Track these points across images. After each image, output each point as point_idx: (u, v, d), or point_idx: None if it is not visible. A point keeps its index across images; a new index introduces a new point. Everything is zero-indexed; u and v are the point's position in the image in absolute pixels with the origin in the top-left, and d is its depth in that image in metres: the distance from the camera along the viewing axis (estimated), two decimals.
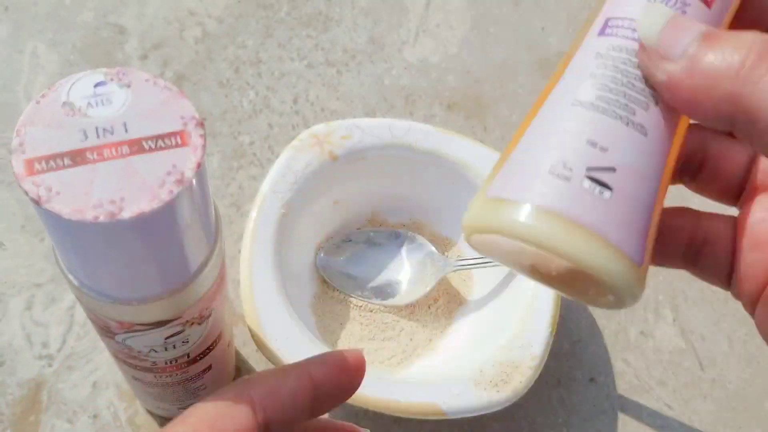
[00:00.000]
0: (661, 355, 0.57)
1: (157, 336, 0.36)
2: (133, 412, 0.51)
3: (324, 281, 0.54)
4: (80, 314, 0.53)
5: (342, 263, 0.55)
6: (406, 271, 0.55)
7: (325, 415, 0.52)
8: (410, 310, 0.54)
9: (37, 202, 0.27)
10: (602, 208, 0.25)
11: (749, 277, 0.30)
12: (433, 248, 0.55)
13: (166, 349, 0.38)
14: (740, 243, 0.30)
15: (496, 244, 0.26)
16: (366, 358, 0.51)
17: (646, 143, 0.26)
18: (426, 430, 0.52)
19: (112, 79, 0.30)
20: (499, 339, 0.48)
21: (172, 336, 0.36)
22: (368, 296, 0.54)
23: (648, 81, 0.26)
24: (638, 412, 0.55)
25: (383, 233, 0.56)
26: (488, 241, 0.26)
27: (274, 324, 0.46)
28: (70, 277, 0.33)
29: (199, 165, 0.28)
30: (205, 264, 0.34)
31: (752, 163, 0.31)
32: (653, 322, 0.58)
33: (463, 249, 0.56)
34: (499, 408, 0.46)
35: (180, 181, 0.28)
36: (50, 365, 0.51)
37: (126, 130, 0.28)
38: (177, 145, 0.28)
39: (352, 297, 0.54)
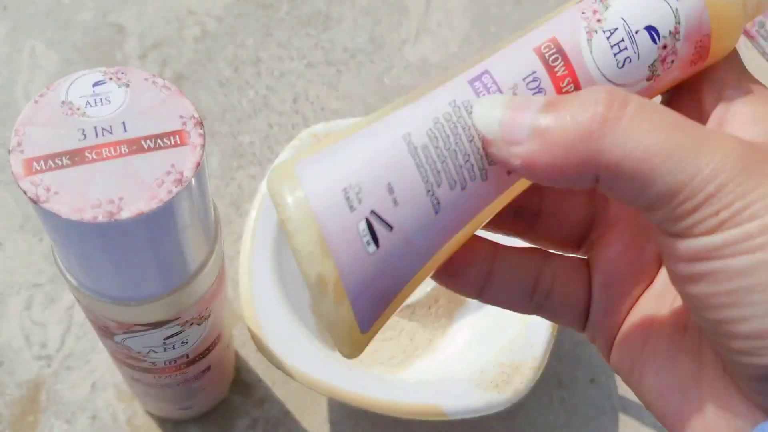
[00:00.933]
0: None
1: (156, 336, 0.36)
2: (132, 413, 0.51)
3: None
4: (79, 314, 0.53)
5: None
6: None
7: (325, 417, 0.52)
8: (410, 310, 0.54)
9: (35, 202, 0.27)
10: (359, 259, 0.25)
11: (606, 317, 0.30)
12: None
13: (165, 349, 0.37)
14: (594, 283, 0.30)
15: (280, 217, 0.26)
16: (365, 359, 0.51)
17: (433, 221, 0.26)
18: None
19: (110, 79, 0.30)
20: (500, 339, 0.48)
21: (171, 336, 0.36)
22: None
23: (475, 163, 0.26)
24: (640, 412, 0.54)
25: None
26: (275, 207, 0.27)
27: (274, 325, 0.46)
28: (69, 277, 0.33)
29: (199, 164, 0.28)
30: (204, 264, 0.34)
31: (592, 205, 0.31)
32: None
33: None
34: (500, 409, 0.46)
35: (179, 181, 0.28)
36: (49, 365, 0.51)
37: (125, 130, 0.28)
38: (176, 145, 0.28)
39: None
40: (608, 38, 0.26)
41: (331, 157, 0.26)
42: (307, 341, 0.46)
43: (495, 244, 0.30)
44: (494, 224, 0.30)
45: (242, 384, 0.53)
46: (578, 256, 0.32)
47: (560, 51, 0.26)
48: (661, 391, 0.28)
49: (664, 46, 0.26)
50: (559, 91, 0.26)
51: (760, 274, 0.23)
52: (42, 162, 0.27)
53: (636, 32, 0.26)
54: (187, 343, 0.38)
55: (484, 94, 0.26)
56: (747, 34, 0.69)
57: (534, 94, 0.26)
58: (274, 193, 0.25)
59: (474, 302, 0.54)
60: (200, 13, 0.66)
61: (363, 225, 0.25)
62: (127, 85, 0.30)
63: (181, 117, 0.29)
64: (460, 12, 0.69)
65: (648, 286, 0.30)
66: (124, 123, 0.29)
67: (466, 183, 0.26)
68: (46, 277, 0.54)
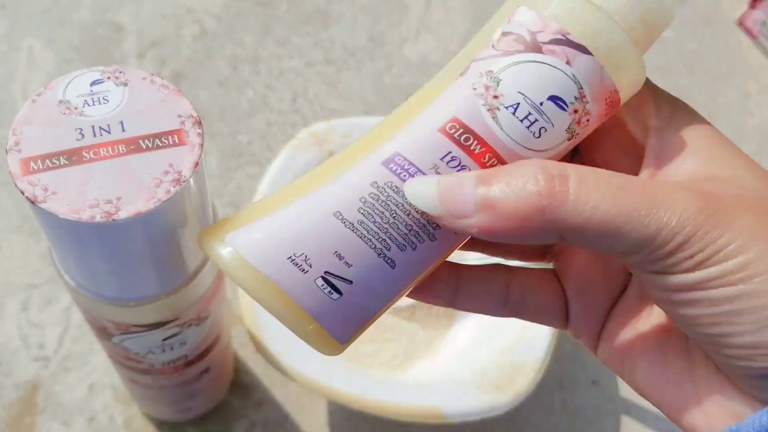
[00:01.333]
0: None
1: (155, 337, 0.36)
2: (130, 415, 0.51)
3: None
4: (77, 315, 0.53)
5: None
6: None
7: (325, 420, 0.51)
8: (411, 311, 0.54)
9: (33, 202, 0.27)
10: (326, 303, 0.26)
11: (585, 320, 0.31)
12: None
13: (163, 350, 0.37)
14: (567, 290, 0.31)
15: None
16: (365, 360, 0.51)
17: (392, 273, 0.27)
18: None
19: (108, 78, 0.30)
20: (501, 341, 0.48)
21: (169, 337, 0.36)
22: None
23: (420, 230, 0.27)
24: (642, 414, 0.54)
25: None
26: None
27: (273, 326, 0.46)
28: (67, 277, 0.33)
29: (197, 164, 0.28)
30: (202, 265, 0.34)
31: None
32: None
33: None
34: (501, 411, 0.46)
35: (177, 181, 0.27)
36: (46, 367, 0.51)
37: (123, 129, 0.28)
38: (174, 144, 0.28)
39: None
40: (514, 113, 0.26)
41: (264, 230, 0.27)
42: (306, 343, 0.46)
43: (457, 265, 0.31)
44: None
45: (241, 386, 0.52)
46: (543, 265, 0.33)
47: (468, 131, 0.26)
48: (654, 384, 0.28)
49: (575, 111, 0.27)
50: (483, 165, 0.26)
51: (746, 301, 0.24)
52: (39, 162, 0.27)
53: (540, 104, 0.26)
54: (185, 344, 0.38)
55: (404, 175, 0.26)
56: (750, 33, 0.68)
57: (458, 171, 0.26)
58: (216, 261, 0.27)
59: None
60: (199, 12, 0.66)
61: (321, 281, 0.26)
62: (125, 84, 0.29)
63: (179, 116, 0.29)
64: (461, 10, 0.69)
65: (623, 290, 0.31)
66: (122, 122, 0.28)
67: (416, 245, 0.27)
68: (44, 278, 0.54)
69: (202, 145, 0.28)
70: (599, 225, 0.24)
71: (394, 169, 0.26)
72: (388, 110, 0.63)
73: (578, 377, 0.55)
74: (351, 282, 0.26)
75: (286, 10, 0.67)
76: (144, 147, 0.28)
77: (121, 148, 0.28)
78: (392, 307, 0.53)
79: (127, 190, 0.27)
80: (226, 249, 0.26)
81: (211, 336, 0.40)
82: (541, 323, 0.32)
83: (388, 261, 0.26)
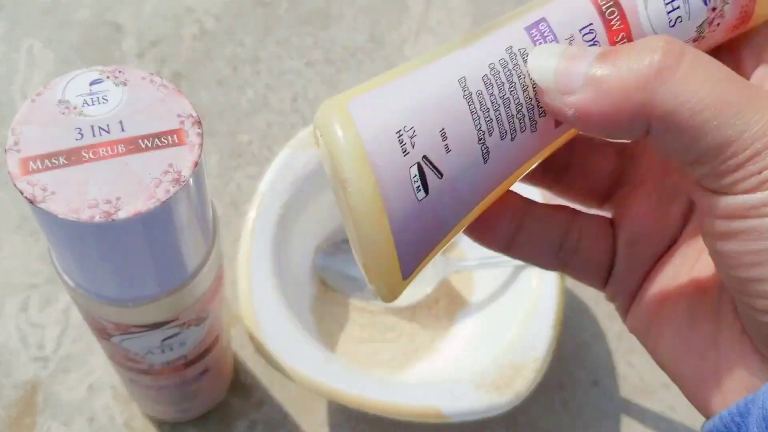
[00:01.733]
0: None
1: (154, 338, 0.36)
2: (130, 415, 0.51)
3: (323, 282, 0.54)
4: (76, 316, 0.53)
5: (341, 264, 0.54)
6: None
7: (325, 420, 0.51)
8: (411, 311, 0.54)
9: (32, 202, 0.27)
10: (408, 205, 0.25)
11: (628, 275, 0.31)
12: None
13: (162, 351, 0.37)
14: (619, 240, 0.31)
15: (326, 154, 0.26)
16: (365, 361, 0.51)
17: (481, 169, 0.26)
18: None
19: (108, 77, 0.30)
20: (501, 341, 0.48)
21: (169, 338, 0.36)
22: (368, 297, 0.53)
23: (527, 114, 0.26)
24: (642, 415, 0.54)
25: None
26: (323, 147, 0.26)
27: (273, 326, 0.46)
28: (66, 277, 0.33)
29: (197, 164, 0.28)
30: (202, 265, 0.34)
31: (620, 163, 0.32)
32: None
33: (464, 250, 0.56)
34: (501, 411, 0.46)
35: (177, 181, 0.28)
36: (46, 367, 0.51)
37: (122, 129, 0.28)
38: (174, 144, 0.28)
39: (351, 298, 0.54)
40: None
41: (385, 97, 0.25)
42: (306, 342, 0.46)
43: (526, 199, 0.31)
44: (525, 176, 0.30)
45: (240, 386, 0.52)
46: (602, 213, 0.32)
47: (617, 4, 0.26)
48: (677, 352, 0.28)
49: (713, 8, 0.26)
50: (614, 44, 0.26)
51: None
52: (39, 161, 0.27)
53: None
54: (185, 344, 0.38)
55: (540, 42, 0.26)
56: None
57: (589, 45, 0.26)
58: (324, 128, 0.25)
59: (475, 303, 0.54)
60: (199, 12, 0.66)
61: (415, 170, 0.25)
62: (125, 84, 0.29)
63: (179, 116, 0.29)
64: (461, 10, 0.69)
65: (671, 248, 0.30)
66: (121, 122, 0.28)
67: (516, 133, 0.26)
68: (43, 278, 0.54)
69: (201, 145, 0.28)
70: (689, 113, 0.23)
71: (533, 34, 0.26)
72: None
73: (579, 377, 0.55)
74: (441, 175, 0.25)
75: (286, 10, 0.67)
76: (143, 147, 0.28)
77: (120, 148, 0.28)
78: (392, 308, 0.53)
79: (126, 190, 0.27)
80: (340, 113, 0.25)
81: (210, 336, 0.40)
82: (581, 280, 0.32)
83: (484, 151, 0.25)
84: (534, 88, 0.26)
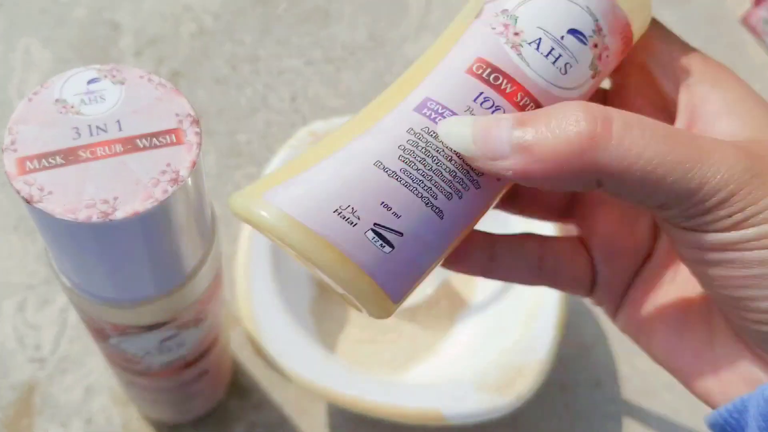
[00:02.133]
0: None
1: (152, 339, 0.36)
2: (128, 417, 0.50)
3: (322, 283, 0.54)
4: (73, 316, 0.53)
5: None
6: None
7: (324, 422, 0.51)
8: (411, 312, 0.54)
9: (29, 202, 0.27)
10: (378, 257, 0.26)
11: (610, 287, 0.32)
12: None
13: (161, 352, 0.37)
14: (594, 257, 0.32)
15: (275, 240, 0.27)
16: (365, 362, 0.51)
17: (440, 224, 0.26)
18: None
19: (105, 76, 0.30)
20: (503, 342, 0.49)
21: (167, 339, 0.36)
22: None
23: (464, 177, 0.26)
24: (645, 417, 0.54)
25: None
26: (264, 233, 0.27)
27: (272, 327, 0.46)
28: (63, 278, 0.33)
29: (195, 164, 0.28)
30: (200, 265, 0.34)
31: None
32: None
33: None
34: (502, 413, 0.46)
35: (175, 181, 0.27)
36: (43, 368, 0.51)
37: (120, 128, 0.28)
38: (172, 144, 0.28)
39: None
40: (537, 49, 0.26)
41: (303, 185, 0.26)
42: (305, 344, 0.46)
43: (491, 235, 0.31)
44: None
45: (239, 387, 0.52)
46: (569, 232, 0.33)
47: (496, 69, 0.26)
48: (671, 352, 0.29)
49: (595, 45, 0.27)
50: (517, 106, 0.26)
51: None
52: (35, 161, 0.27)
53: (561, 38, 0.26)
54: (183, 345, 0.38)
55: (438, 119, 0.26)
56: (754, 31, 0.68)
57: (493, 112, 0.26)
58: (256, 222, 0.26)
59: (475, 304, 0.54)
60: (197, 10, 0.66)
61: (371, 234, 0.25)
62: (122, 83, 0.29)
63: (177, 115, 0.29)
64: (461, 8, 0.69)
65: (648, 257, 0.31)
66: (118, 121, 0.28)
67: (462, 192, 0.26)
68: (40, 279, 0.54)
69: (200, 145, 0.28)
70: (641, 173, 0.23)
71: (427, 114, 0.26)
72: None
73: (580, 379, 0.55)
74: (401, 234, 0.26)
75: (286, 9, 0.67)
76: (141, 146, 0.28)
77: (117, 148, 0.28)
78: None
79: (124, 189, 0.27)
80: (267, 207, 0.26)
81: (209, 338, 0.40)
82: (568, 291, 0.33)
83: (436, 210, 0.26)
84: (458, 156, 0.26)
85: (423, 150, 0.26)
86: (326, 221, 0.25)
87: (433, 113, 0.26)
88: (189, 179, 0.28)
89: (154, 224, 0.28)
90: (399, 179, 0.26)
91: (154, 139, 0.28)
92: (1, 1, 0.64)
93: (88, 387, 0.51)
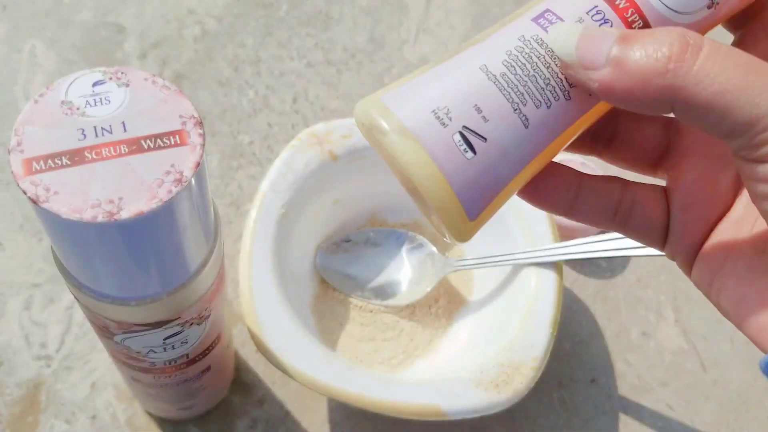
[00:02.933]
0: (662, 356, 0.57)
1: (156, 336, 0.36)
2: (132, 413, 0.51)
3: (324, 281, 0.54)
4: (79, 314, 0.53)
5: (342, 263, 0.55)
6: (406, 272, 0.55)
7: (325, 417, 0.52)
8: (410, 310, 0.54)
9: (35, 202, 0.27)
10: (460, 162, 0.27)
11: (684, 237, 0.32)
12: (434, 248, 0.55)
13: (165, 349, 0.37)
14: (672, 206, 0.32)
15: (375, 141, 0.28)
16: (365, 359, 0.51)
17: (524, 133, 0.27)
18: None
19: (110, 78, 0.30)
20: (500, 340, 0.48)
21: (171, 336, 0.36)
22: (368, 296, 0.54)
23: (557, 85, 0.27)
24: (640, 413, 0.54)
25: (383, 233, 0.56)
26: (370, 136, 0.29)
27: (274, 324, 0.46)
28: (69, 277, 0.33)
29: (198, 164, 0.28)
30: (204, 264, 0.34)
31: (667, 131, 0.33)
32: (655, 323, 0.58)
33: (464, 249, 0.56)
34: (500, 409, 0.46)
35: (179, 181, 0.28)
36: (48, 365, 0.51)
37: (125, 130, 0.28)
38: (176, 145, 0.28)
39: (352, 297, 0.54)
40: None
41: (414, 88, 0.28)
42: (307, 341, 0.46)
43: (579, 172, 0.32)
44: (573, 146, 0.32)
45: (242, 384, 0.53)
46: (654, 179, 0.33)
47: None
48: (739, 302, 0.29)
49: None
50: (625, 20, 0.27)
51: None
52: (42, 162, 0.27)
53: None
54: (186, 343, 0.38)
55: (549, 27, 0.27)
56: None
57: (601, 24, 0.27)
58: (366, 121, 0.28)
59: (474, 302, 0.54)
60: (200, 13, 0.66)
61: (458, 137, 0.26)
62: (127, 85, 0.29)
63: (180, 117, 0.29)
64: (460, 12, 0.69)
65: (726, 212, 0.31)
66: (123, 123, 0.28)
67: (551, 102, 0.27)
68: (46, 277, 0.54)
69: (203, 146, 0.29)
70: (711, 96, 0.24)
71: (542, 23, 0.27)
72: None
73: (577, 376, 0.55)
74: (485, 139, 0.27)
75: (287, 12, 0.67)
76: (146, 147, 0.28)
77: (122, 149, 0.28)
78: (392, 307, 0.53)
79: (128, 190, 0.27)
80: (377, 106, 0.27)
81: (212, 335, 0.40)
82: (640, 241, 0.33)
83: (523, 118, 0.27)
84: (557, 64, 0.27)
85: (526, 56, 0.27)
86: (421, 120, 0.27)
87: (547, 23, 0.27)
88: (193, 180, 0.28)
89: (158, 224, 0.28)
90: (496, 82, 0.27)
91: (159, 140, 0.28)
92: (6, 2, 0.65)
93: (93, 384, 0.51)
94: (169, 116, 0.29)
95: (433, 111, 0.27)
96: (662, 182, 0.33)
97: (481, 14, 0.69)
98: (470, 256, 0.55)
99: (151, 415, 0.51)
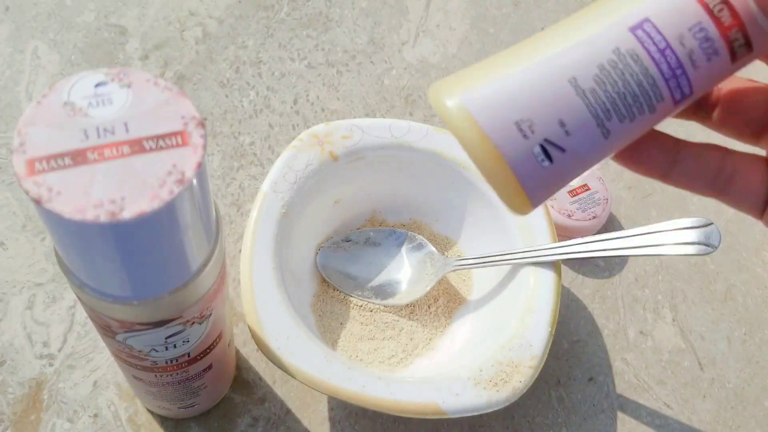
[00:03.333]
0: (660, 355, 0.57)
1: (158, 335, 0.36)
2: (134, 412, 0.51)
3: (324, 281, 0.55)
4: (81, 314, 0.53)
5: (342, 263, 0.55)
6: (405, 271, 0.55)
7: (326, 416, 0.52)
8: (410, 309, 0.54)
9: (38, 202, 0.27)
10: (535, 169, 0.27)
11: None
12: (433, 248, 0.55)
13: (166, 348, 0.38)
14: None
15: (452, 130, 0.28)
16: (365, 358, 0.51)
17: (603, 143, 0.27)
18: (426, 430, 0.53)
19: (112, 80, 0.30)
20: (499, 338, 0.49)
21: (172, 335, 0.36)
22: (368, 296, 0.54)
23: (644, 102, 0.27)
24: (637, 411, 0.55)
25: (383, 233, 0.56)
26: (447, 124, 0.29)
27: (275, 323, 0.46)
28: (71, 276, 0.33)
29: (200, 165, 0.28)
30: (205, 264, 0.34)
31: None
32: (653, 322, 0.58)
33: (462, 249, 0.56)
34: (498, 407, 0.46)
35: (180, 181, 0.28)
36: (51, 364, 0.52)
37: (127, 130, 0.28)
38: (177, 145, 0.28)
39: (352, 296, 0.54)
40: None
41: (498, 93, 0.27)
42: (307, 340, 0.46)
43: (677, 138, 0.32)
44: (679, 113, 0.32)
45: (243, 383, 0.53)
46: (755, 149, 0.33)
47: (725, 1, 0.27)
48: None
49: None
50: (727, 39, 0.27)
51: None
52: (44, 162, 0.27)
53: None
54: (188, 342, 0.38)
55: (648, 44, 0.27)
56: None
57: (701, 44, 0.27)
58: (446, 117, 0.28)
59: (473, 302, 0.54)
60: (201, 15, 0.66)
61: (538, 149, 0.27)
62: (129, 86, 0.30)
63: (182, 118, 0.29)
64: (460, 13, 0.69)
65: None
66: (126, 124, 0.29)
67: (635, 116, 0.27)
68: (48, 277, 0.54)
69: (204, 146, 0.29)
70: None
71: (640, 36, 0.27)
72: (388, 112, 0.64)
73: (575, 374, 0.55)
74: (564, 151, 0.27)
75: (288, 14, 0.67)
76: (148, 148, 0.28)
77: (125, 149, 0.28)
78: (392, 306, 0.53)
79: (131, 190, 0.27)
80: (456, 104, 0.27)
81: (213, 334, 0.40)
82: (738, 208, 0.33)
83: (604, 131, 0.27)
84: (649, 82, 0.27)
85: (619, 73, 0.27)
86: (503, 130, 0.27)
87: (645, 36, 0.27)
88: (194, 180, 0.28)
89: (160, 224, 0.28)
90: (584, 99, 0.27)
91: (161, 140, 0.28)
92: (9, 3, 0.65)
93: (95, 382, 0.51)
94: (171, 117, 0.29)
95: (516, 122, 0.27)
96: (762, 152, 0.33)
97: (480, 16, 0.69)
98: (469, 256, 0.55)
99: (152, 413, 0.51)
